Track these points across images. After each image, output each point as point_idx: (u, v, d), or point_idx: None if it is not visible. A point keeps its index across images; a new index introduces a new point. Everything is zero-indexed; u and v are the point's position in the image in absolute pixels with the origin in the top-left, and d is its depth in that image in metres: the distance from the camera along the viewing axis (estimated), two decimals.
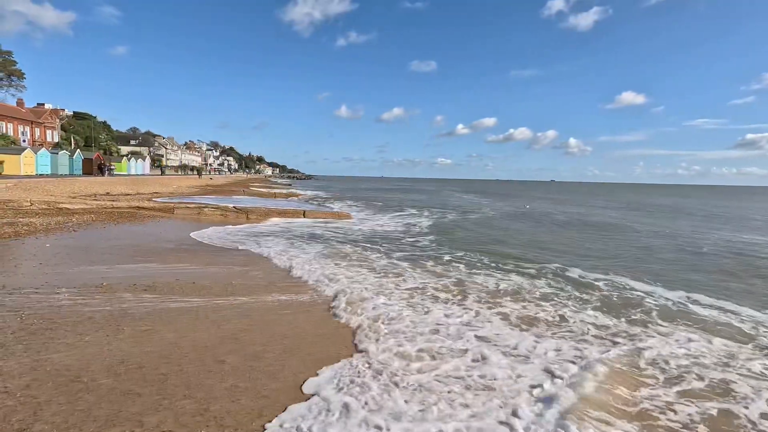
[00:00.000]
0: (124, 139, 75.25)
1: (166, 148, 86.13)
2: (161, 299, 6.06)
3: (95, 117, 74.20)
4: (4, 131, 47.39)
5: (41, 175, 33.54)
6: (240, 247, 11.04)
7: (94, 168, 42.36)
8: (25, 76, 64.00)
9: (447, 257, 11.04)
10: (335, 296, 6.73)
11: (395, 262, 10.18)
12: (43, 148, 40.84)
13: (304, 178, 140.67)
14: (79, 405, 3.26)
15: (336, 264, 9.45)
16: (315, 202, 32.23)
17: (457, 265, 10.00)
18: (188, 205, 20.15)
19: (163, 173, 61.73)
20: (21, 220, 12.70)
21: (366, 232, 16.16)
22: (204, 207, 19.87)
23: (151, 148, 75.58)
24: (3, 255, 8.32)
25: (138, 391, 3.53)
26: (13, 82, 63.42)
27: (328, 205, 30.37)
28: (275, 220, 18.70)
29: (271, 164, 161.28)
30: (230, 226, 15.56)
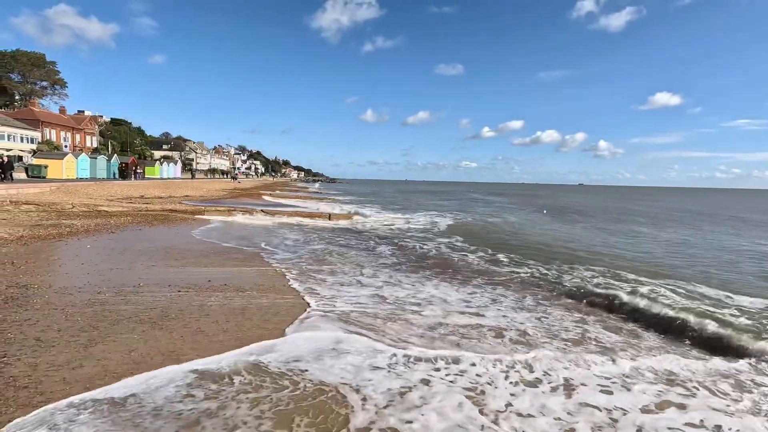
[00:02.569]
0: (157, 143, 78.16)
1: (196, 153, 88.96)
2: (195, 296, 6.26)
3: (130, 123, 77.43)
4: (48, 137, 50.17)
5: (81, 179, 35.21)
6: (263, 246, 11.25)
7: (129, 172, 44.14)
8: (67, 85, 67.64)
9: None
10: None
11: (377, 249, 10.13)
12: (83, 153, 42.91)
13: (329, 182, 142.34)
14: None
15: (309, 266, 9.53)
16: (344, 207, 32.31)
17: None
18: (218, 208, 20.82)
19: (193, 177, 63.70)
20: (64, 221, 13.37)
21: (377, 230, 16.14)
22: (233, 210, 20.50)
23: (182, 153, 78.20)
24: (49, 255, 8.78)
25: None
26: (56, 91, 67.17)
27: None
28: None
29: (296, 168, 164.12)
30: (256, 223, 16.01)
